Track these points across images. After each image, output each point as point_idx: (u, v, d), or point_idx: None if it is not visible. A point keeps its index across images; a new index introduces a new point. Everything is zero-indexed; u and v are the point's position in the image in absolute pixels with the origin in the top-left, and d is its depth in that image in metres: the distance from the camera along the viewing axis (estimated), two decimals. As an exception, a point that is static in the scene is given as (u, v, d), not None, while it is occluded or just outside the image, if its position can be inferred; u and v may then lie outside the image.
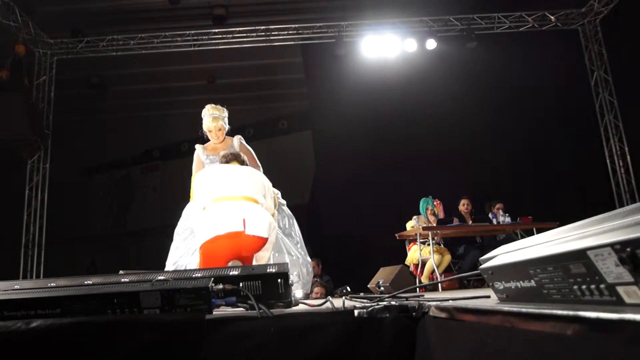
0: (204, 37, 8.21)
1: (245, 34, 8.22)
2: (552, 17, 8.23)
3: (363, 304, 1.50)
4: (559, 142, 8.22)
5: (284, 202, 4.00)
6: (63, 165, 8.78)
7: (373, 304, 1.45)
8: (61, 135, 8.46)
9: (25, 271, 7.59)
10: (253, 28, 8.17)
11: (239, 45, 8.31)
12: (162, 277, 1.62)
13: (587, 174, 8.12)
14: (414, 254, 6.28)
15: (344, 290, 5.80)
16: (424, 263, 6.05)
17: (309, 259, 3.83)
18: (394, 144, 8.33)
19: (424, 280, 5.89)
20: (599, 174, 8.08)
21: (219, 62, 9.38)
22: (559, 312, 0.73)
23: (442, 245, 6.40)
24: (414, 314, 1.36)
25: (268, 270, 1.75)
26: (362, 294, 3.38)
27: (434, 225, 6.20)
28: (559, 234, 0.99)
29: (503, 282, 1.13)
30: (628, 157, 7.88)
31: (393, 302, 1.45)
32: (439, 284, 5.45)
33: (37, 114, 7.76)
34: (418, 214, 6.46)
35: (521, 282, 1.03)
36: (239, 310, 1.55)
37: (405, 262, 6.37)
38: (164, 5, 7.94)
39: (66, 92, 8.71)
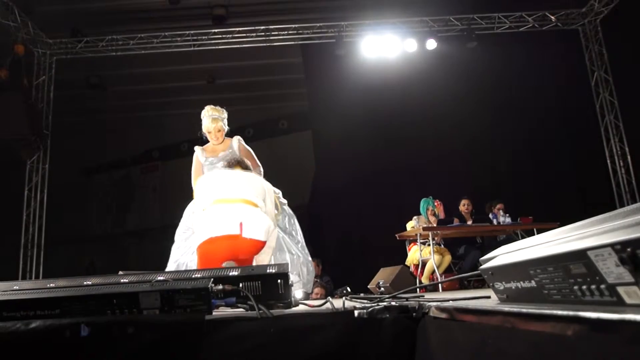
0: (203, 37, 8.21)
1: (245, 34, 8.22)
2: (552, 17, 8.23)
3: (363, 305, 1.50)
4: (559, 142, 8.22)
5: (285, 201, 4.00)
6: (62, 166, 8.77)
7: (373, 304, 1.44)
8: (60, 136, 8.45)
9: (25, 272, 7.59)
10: (253, 28, 8.17)
11: (238, 45, 8.31)
12: (161, 278, 1.61)
13: (588, 174, 8.12)
14: (414, 254, 6.28)
15: (344, 291, 5.80)
16: (424, 263, 6.05)
17: (310, 258, 3.83)
18: (394, 144, 8.33)
19: (424, 280, 5.89)
20: (600, 174, 8.08)
21: (218, 62, 9.37)
22: (560, 312, 0.73)
23: (442, 246, 6.40)
24: (414, 314, 1.36)
25: (268, 270, 1.75)
26: (362, 295, 3.38)
27: (435, 225, 6.20)
28: (559, 234, 0.99)
29: (503, 282, 1.13)
30: (628, 157, 7.88)
31: (393, 303, 1.45)
32: (439, 285, 5.45)
33: (37, 114, 7.76)
34: (418, 214, 6.45)
35: (521, 282, 1.03)
36: (239, 310, 1.54)
37: (406, 263, 6.37)
38: (164, 5, 7.94)
39: (65, 92, 8.71)
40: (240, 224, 2.87)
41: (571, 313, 0.70)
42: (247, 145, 4.07)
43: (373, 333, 1.33)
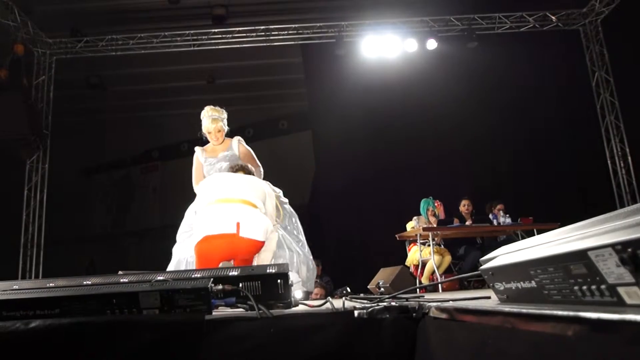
0: (203, 37, 8.21)
1: (245, 34, 8.21)
2: (553, 18, 8.23)
3: (363, 305, 1.50)
4: (560, 142, 8.22)
5: (286, 200, 4.00)
6: (62, 166, 8.77)
7: (373, 304, 1.44)
8: (60, 136, 8.45)
9: (24, 271, 7.58)
10: (253, 28, 8.16)
11: (238, 45, 8.31)
12: (161, 278, 1.61)
13: (588, 174, 8.12)
14: (414, 254, 6.28)
15: (344, 291, 5.80)
16: (424, 264, 6.05)
17: (311, 257, 3.84)
18: (394, 144, 8.33)
19: (424, 281, 5.89)
20: (600, 174, 8.08)
21: (218, 62, 9.38)
22: (560, 312, 0.73)
23: (442, 246, 6.39)
24: (414, 314, 1.36)
25: (268, 270, 1.75)
26: (362, 295, 3.38)
27: (435, 226, 6.20)
28: (559, 234, 0.98)
29: (503, 282, 1.13)
30: (629, 157, 7.87)
31: (393, 303, 1.45)
32: (439, 285, 5.45)
33: (36, 114, 7.76)
34: (418, 214, 6.45)
35: (522, 282, 1.03)
36: (239, 310, 1.54)
37: (406, 263, 6.37)
38: (164, 4, 7.94)
39: (65, 92, 8.71)
40: (237, 224, 2.89)
41: (571, 313, 0.70)
42: (247, 145, 4.07)
43: (373, 333, 1.33)
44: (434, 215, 6.44)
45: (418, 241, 6.08)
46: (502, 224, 6.19)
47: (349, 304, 1.69)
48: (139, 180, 12.30)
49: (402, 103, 8.14)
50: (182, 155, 10.40)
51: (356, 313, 1.36)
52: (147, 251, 10.53)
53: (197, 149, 4.06)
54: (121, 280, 1.70)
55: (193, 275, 1.70)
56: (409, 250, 6.46)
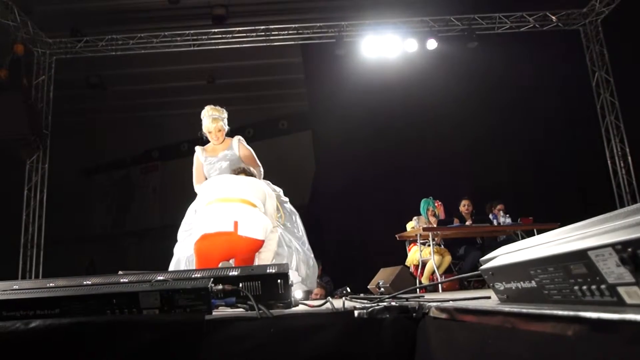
0: (203, 37, 8.21)
1: (245, 34, 8.21)
2: (553, 18, 8.22)
3: (363, 305, 1.50)
4: (560, 142, 8.21)
5: (286, 199, 4.01)
6: (62, 166, 8.77)
7: (373, 304, 1.44)
8: (60, 136, 8.45)
9: (24, 271, 7.58)
10: (253, 28, 8.16)
11: (238, 45, 8.31)
12: (161, 278, 1.61)
13: (588, 174, 8.12)
14: (414, 254, 6.28)
15: (344, 291, 5.80)
16: (424, 264, 6.05)
17: (311, 255, 3.84)
18: (394, 144, 8.33)
19: (425, 281, 5.89)
20: (600, 174, 8.08)
21: (218, 62, 9.38)
22: (560, 312, 0.73)
23: (442, 246, 6.40)
24: (414, 314, 1.36)
25: (268, 270, 1.75)
26: (362, 295, 3.38)
27: (435, 226, 6.20)
28: (559, 234, 0.98)
29: (504, 282, 1.13)
30: (629, 157, 7.87)
31: (393, 303, 1.45)
32: (440, 285, 5.45)
33: (36, 114, 7.76)
34: (418, 214, 6.45)
35: (522, 282, 1.03)
36: (239, 310, 1.54)
37: (406, 263, 6.37)
38: (164, 4, 7.95)
39: (65, 92, 8.71)
40: (235, 223, 2.90)
41: (571, 313, 0.70)
42: (248, 145, 4.07)
43: (373, 333, 1.33)
44: (434, 215, 6.44)
45: (418, 241, 6.08)
46: (502, 224, 6.19)
47: (349, 304, 1.69)
48: (139, 180, 12.31)
49: (402, 103, 8.14)
50: (182, 155, 10.40)
51: (356, 313, 1.36)
52: (147, 251, 10.54)
53: (198, 148, 4.07)
54: (121, 280, 1.70)
55: (193, 275, 1.70)
56: (409, 250, 6.46)
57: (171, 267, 3.55)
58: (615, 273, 0.72)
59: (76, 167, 11.65)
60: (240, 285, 1.63)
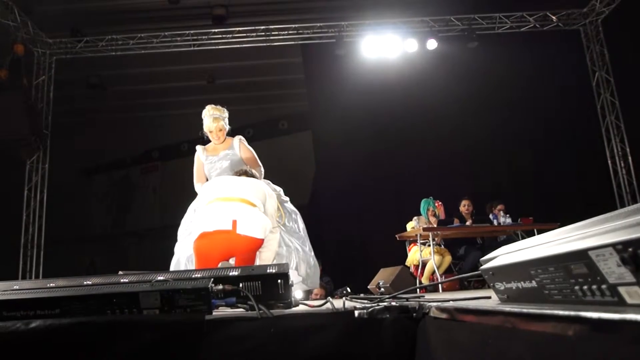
0: (203, 37, 8.21)
1: (245, 34, 8.21)
2: (553, 17, 8.22)
3: (363, 305, 1.50)
4: (560, 142, 8.21)
5: (287, 198, 4.01)
6: (62, 166, 8.77)
7: (373, 304, 1.44)
8: (60, 136, 8.45)
9: (24, 271, 7.58)
10: (253, 28, 8.16)
11: (238, 45, 8.31)
12: (161, 278, 1.61)
13: (588, 174, 8.12)
14: (414, 254, 6.27)
15: (344, 291, 5.81)
16: (424, 264, 6.05)
17: (312, 253, 3.84)
18: (395, 144, 8.33)
19: (425, 281, 5.89)
20: (600, 174, 8.07)
21: (218, 62, 9.38)
22: (560, 312, 0.72)
23: (442, 246, 6.40)
24: (414, 314, 1.35)
25: (268, 270, 1.75)
26: (362, 295, 3.38)
27: (435, 226, 6.20)
28: (560, 234, 0.98)
29: (504, 282, 1.13)
30: (629, 157, 7.87)
31: (393, 303, 1.45)
32: (440, 285, 5.45)
33: (36, 114, 7.76)
34: (418, 214, 6.45)
35: (522, 282, 1.03)
36: (239, 310, 1.54)
37: (406, 263, 6.37)
38: (164, 5, 7.94)
39: (65, 92, 8.71)
40: (234, 221, 2.91)
41: (572, 313, 0.70)
42: (248, 145, 4.07)
43: (373, 333, 1.33)
44: (434, 215, 6.44)
45: (418, 241, 6.08)
46: (502, 224, 6.19)
47: (349, 304, 1.69)
48: (138, 181, 12.30)
49: (402, 103, 8.14)
50: (182, 155, 10.40)
51: (356, 313, 1.36)
52: (147, 251, 10.54)
53: (199, 147, 4.07)
54: (121, 280, 1.70)
55: (193, 276, 1.70)
56: (409, 250, 6.46)
57: (172, 267, 3.56)
58: (616, 273, 0.72)
59: (76, 167, 11.65)
60: (241, 285, 1.63)
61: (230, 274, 1.71)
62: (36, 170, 7.96)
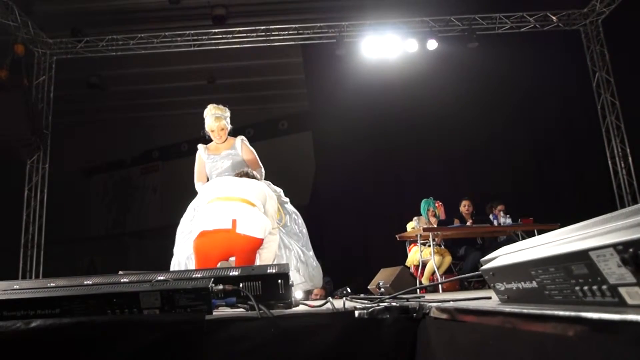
0: (204, 37, 8.21)
1: (245, 34, 8.21)
2: (553, 18, 8.22)
3: (364, 305, 1.50)
4: (560, 143, 8.21)
5: (287, 199, 4.00)
6: (62, 166, 8.77)
7: (374, 305, 1.44)
8: (60, 136, 8.45)
9: (25, 271, 7.58)
10: (253, 28, 8.16)
11: (239, 46, 8.30)
12: (161, 278, 1.61)
13: (589, 175, 8.11)
14: (414, 255, 6.27)
15: (344, 292, 5.81)
16: (424, 264, 6.04)
17: (311, 253, 3.84)
18: (395, 144, 8.33)
19: (425, 281, 5.88)
20: (601, 175, 8.07)
21: (219, 62, 9.38)
22: (561, 313, 0.72)
23: (442, 247, 6.39)
24: (414, 314, 1.36)
25: (268, 270, 1.75)
26: (362, 295, 3.38)
27: (435, 226, 6.19)
28: (560, 234, 0.98)
29: (504, 283, 1.13)
30: (630, 158, 7.86)
31: (394, 303, 1.45)
32: (440, 285, 5.45)
33: (37, 114, 7.75)
34: (419, 215, 6.45)
35: (522, 283, 1.03)
36: (239, 310, 1.54)
37: (406, 264, 6.37)
38: (164, 5, 7.95)
39: (65, 92, 8.71)
40: (234, 221, 2.91)
41: (572, 314, 0.70)
42: (250, 146, 4.07)
43: (373, 334, 1.33)
44: (435, 215, 6.44)
45: (418, 241, 6.07)
46: (502, 224, 6.18)
47: (349, 304, 1.69)
48: (139, 181, 12.31)
49: (402, 103, 8.14)
50: (182, 155, 10.42)
51: (357, 313, 1.36)
52: (147, 251, 10.54)
53: (200, 146, 4.06)
54: (122, 280, 1.70)
55: (193, 276, 1.70)
56: (409, 250, 6.46)
57: (172, 268, 3.56)
58: (616, 273, 0.72)
59: (76, 167, 11.66)
60: (241, 285, 1.63)
61: (231, 274, 1.71)
62: (36, 170, 7.96)
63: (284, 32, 8.18)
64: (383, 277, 5.97)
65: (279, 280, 1.69)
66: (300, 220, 3.96)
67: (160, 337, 1.24)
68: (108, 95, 9.91)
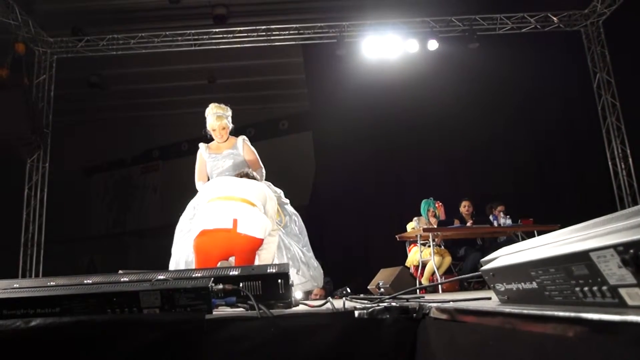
0: (204, 37, 8.21)
1: (246, 34, 8.21)
2: (554, 19, 8.21)
3: (364, 305, 1.50)
4: (561, 143, 8.21)
5: (287, 200, 4.00)
6: (62, 165, 8.77)
7: (374, 305, 1.44)
8: (61, 135, 8.45)
9: (25, 270, 7.58)
10: (254, 28, 8.16)
11: (239, 45, 8.30)
12: (161, 277, 1.61)
13: (589, 176, 8.11)
14: (414, 255, 6.27)
15: (344, 292, 5.81)
16: (424, 265, 6.05)
17: (311, 254, 3.84)
18: (395, 144, 8.33)
19: (425, 282, 5.88)
20: (601, 176, 8.07)
21: (219, 62, 9.38)
22: (561, 313, 0.72)
23: (442, 247, 6.39)
24: (414, 315, 1.36)
25: (268, 270, 1.75)
26: (362, 295, 3.38)
27: (435, 226, 6.19)
28: (560, 235, 0.98)
29: (504, 283, 1.13)
30: (630, 159, 7.86)
31: (394, 304, 1.45)
32: (440, 286, 5.45)
33: (37, 113, 7.75)
34: (419, 215, 6.45)
35: (522, 283, 1.03)
36: (239, 310, 1.54)
37: (406, 264, 6.37)
38: (165, 4, 7.94)
39: (66, 91, 8.71)
40: (235, 220, 2.91)
41: (573, 314, 0.70)
42: (252, 146, 4.06)
43: (373, 334, 1.33)
44: (435, 216, 6.44)
45: (418, 242, 6.08)
46: (502, 225, 6.18)
47: (349, 304, 1.69)
48: (139, 180, 12.31)
49: (402, 103, 8.14)
50: (183, 155, 10.43)
51: (357, 313, 1.36)
52: (147, 251, 10.53)
53: (202, 145, 4.06)
54: (122, 279, 1.70)
55: (193, 275, 1.70)
56: (409, 251, 6.46)
57: (171, 268, 3.56)
58: (616, 274, 0.72)
59: (76, 166, 11.66)
60: (241, 284, 1.63)
61: (231, 273, 1.71)
62: (36, 169, 7.96)
63: (284, 32, 8.18)
64: (383, 278, 5.97)
65: (279, 280, 1.69)
66: (300, 222, 3.96)
67: (160, 337, 1.24)
68: (108, 94, 9.91)
